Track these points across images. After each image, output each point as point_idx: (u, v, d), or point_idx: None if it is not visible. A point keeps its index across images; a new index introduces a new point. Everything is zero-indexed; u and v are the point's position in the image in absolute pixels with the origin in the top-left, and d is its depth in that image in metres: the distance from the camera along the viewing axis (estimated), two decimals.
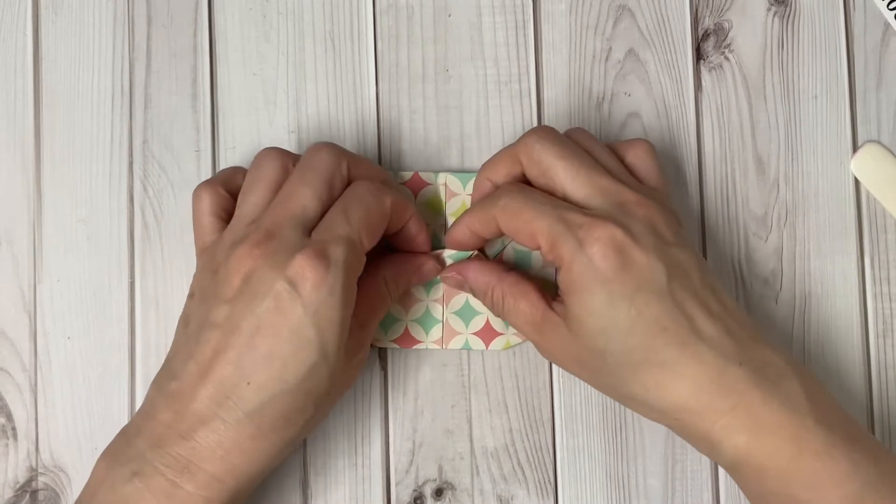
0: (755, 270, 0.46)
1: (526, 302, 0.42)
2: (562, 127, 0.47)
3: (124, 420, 0.45)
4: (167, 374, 0.39)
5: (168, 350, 0.41)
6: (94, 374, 0.46)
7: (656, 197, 0.41)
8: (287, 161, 0.41)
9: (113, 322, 0.46)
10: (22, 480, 0.45)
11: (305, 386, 0.38)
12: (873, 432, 0.46)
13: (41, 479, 0.45)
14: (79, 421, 0.46)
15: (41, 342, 0.46)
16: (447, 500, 0.45)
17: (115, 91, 0.47)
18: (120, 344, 0.46)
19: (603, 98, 0.47)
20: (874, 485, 0.38)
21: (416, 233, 0.43)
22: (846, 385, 0.46)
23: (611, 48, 0.47)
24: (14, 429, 0.46)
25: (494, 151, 0.46)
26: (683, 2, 0.47)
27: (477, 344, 0.45)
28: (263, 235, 0.38)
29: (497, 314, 0.43)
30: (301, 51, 0.47)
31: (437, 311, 0.45)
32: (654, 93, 0.47)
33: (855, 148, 0.47)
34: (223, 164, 0.47)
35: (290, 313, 0.37)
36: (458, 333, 0.45)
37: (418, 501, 0.45)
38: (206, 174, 0.47)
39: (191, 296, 0.41)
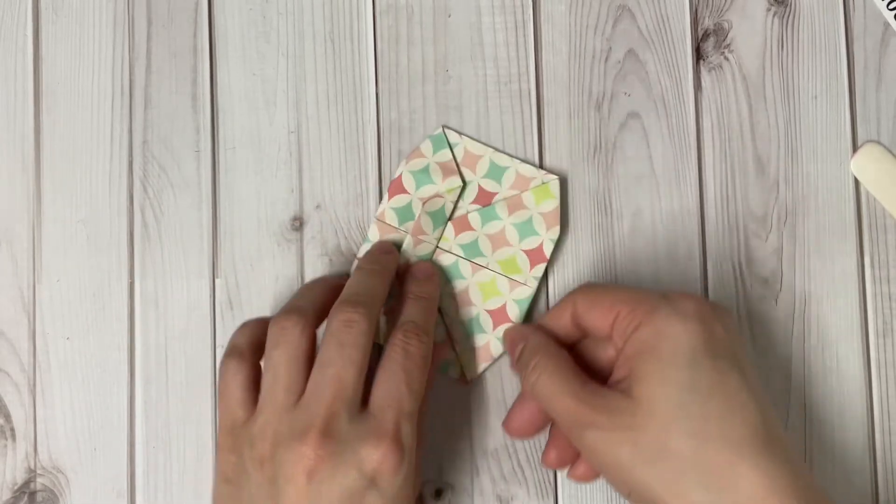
0: (755, 270, 0.46)
1: (576, 379, 0.39)
2: (562, 126, 0.47)
3: (124, 421, 0.45)
4: None
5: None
6: (93, 375, 0.46)
7: None
8: (311, 328, 0.40)
9: (112, 322, 0.46)
10: (20, 482, 0.45)
11: None
12: (873, 433, 0.46)
13: (39, 480, 0.45)
14: (78, 422, 0.45)
15: (40, 342, 0.46)
16: (447, 500, 0.45)
17: (115, 91, 0.47)
18: (119, 344, 0.46)
19: (603, 98, 0.47)
20: None
21: None
22: (846, 385, 0.46)
23: (611, 48, 0.47)
24: (13, 429, 0.45)
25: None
26: (683, 2, 0.47)
27: (540, 268, 0.45)
28: (321, 433, 0.37)
29: (531, 388, 0.40)
30: (301, 51, 0.47)
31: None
32: (654, 93, 0.47)
33: (855, 148, 0.47)
34: (223, 164, 0.47)
35: (367, 502, 0.37)
36: (526, 282, 0.45)
37: (418, 501, 0.45)
38: (207, 174, 0.47)
39: (226, 480, 0.40)
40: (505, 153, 0.46)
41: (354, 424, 0.38)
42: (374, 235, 0.46)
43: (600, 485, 0.45)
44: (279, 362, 0.39)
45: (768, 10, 0.47)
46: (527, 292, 0.45)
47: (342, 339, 0.39)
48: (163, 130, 0.47)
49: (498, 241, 0.45)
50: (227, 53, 0.47)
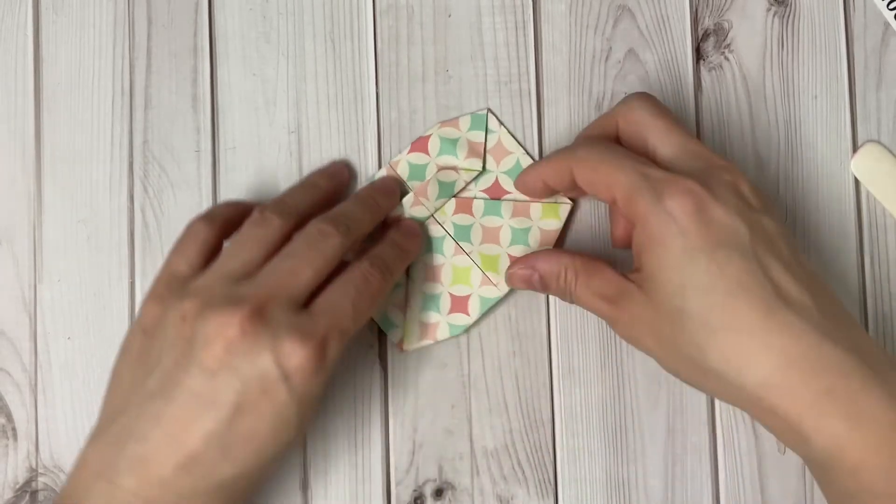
0: None
1: (600, 278, 0.41)
2: (562, 126, 0.47)
3: None
4: (125, 431, 0.37)
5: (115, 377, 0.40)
6: (94, 375, 0.46)
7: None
8: (290, 225, 0.40)
9: (113, 322, 0.46)
10: (22, 481, 0.45)
11: (279, 458, 0.38)
12: None
13: (41, 479, 0.45)
14: (79, 421, 0.46)
15: (41, 342, 0.46)
16: (447, 499, 0.45)
17: (116, 91, 0.47)
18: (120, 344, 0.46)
19: (603, 98, 0.47)
20: None
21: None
22: None
23: (611, 48, 0.47)
24: (14, 429, 0.46)
25: None
26: (683, 2, 0.47)
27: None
28: (254, 310, 0.36)
29: (567, 298, 0.42)
30: (301, 51, 0.47)
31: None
32: (654, 93, 0.47)
33: (855, 148, 0.47)
34: (223, 164, 0.47)
35: (276, 397, 0.36)
36: (497, 283, 0.45)
37: (418, 501, 0.45)
38: (207, 174, 0.47)
39: (143, 331, 0.39)
40: (534, 159, 0.46)
41: (289, 316, 0.37)
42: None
43: (601, 485, 0.45)
44: (248, 238, 0.40)
45: (768, 9, 0.47)
46: (494, 293, 0.45)
47: (312, 243, 0.39)
48: (163, 130, 0.47)
49: (490, 235, 0.45)
50: (227, 53, 0.47)
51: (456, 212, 0.46)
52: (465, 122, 0.46)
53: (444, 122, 0.46)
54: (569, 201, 0.46)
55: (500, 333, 0.46)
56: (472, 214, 0.45)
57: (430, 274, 0.45)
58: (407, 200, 0.45)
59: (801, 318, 0.36)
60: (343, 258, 0.40)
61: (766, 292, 0.36)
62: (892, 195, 0.46)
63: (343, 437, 0.45)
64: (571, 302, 0.42)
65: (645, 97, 0.42)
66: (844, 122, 0.47)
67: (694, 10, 0.47)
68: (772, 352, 0.36)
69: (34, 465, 0.45)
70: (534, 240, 0.45)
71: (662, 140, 0.40)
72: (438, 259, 0.45)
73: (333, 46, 0.47)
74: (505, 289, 0.45)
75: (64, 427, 0.45)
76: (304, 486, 0.45)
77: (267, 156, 0.47)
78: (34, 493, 0.45)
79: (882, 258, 0.47)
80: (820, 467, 0.37)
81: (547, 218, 0.45)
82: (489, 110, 0.46)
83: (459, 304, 0.45)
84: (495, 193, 0.46)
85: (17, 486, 0.45)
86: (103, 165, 0.47)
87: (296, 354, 0.36)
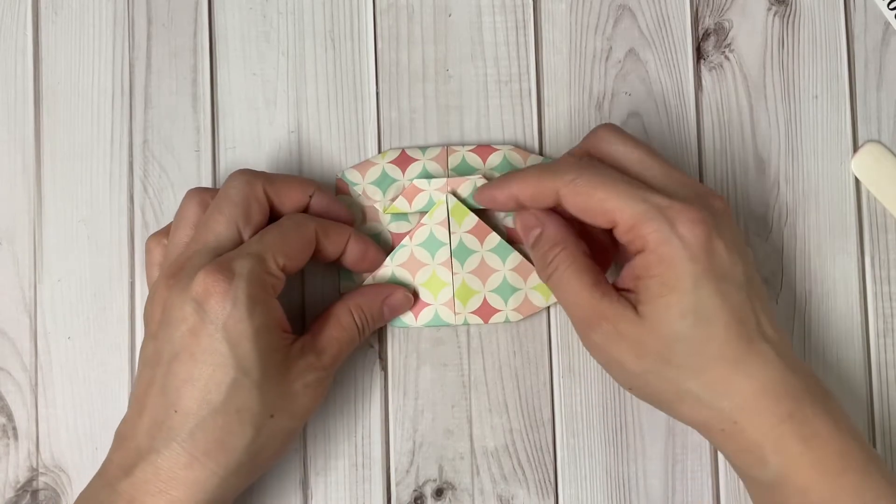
0: None
1: (591, 275, 0.40)
2: (562, 126, 0.47)
3: None
4: (123, 420, 0.41)
5: None
6: (94, 374, 0.46)
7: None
8: (207, 197, 0.42)
9: (113, 322, 0.46)
10: (22, 480, 0.45)
11: (233, 405, 0.38)
12: (873, 432, 0.46)
13: (42, 478, 0.45)
14: (79, 421, 0.46)
15: (42, 342, 0.46)
16: (447, 499, 0.45)
17: (115, 91, 0.47)
18: (120, 344, 0.46)
19: (603, 98, 0.47)
20: None
21: (361, 252, 0.43)
22: (846, 385, 0.46)
23: (611, 48, 0.47)
24: (15, 428, 0.46)
25: None
26: (684, 1, 0.47)
27: (475, 320, 0.45)
28: (176, 267, 0.39)
29: (547, 278, 0.41)
30: (301, 51, 0.47)
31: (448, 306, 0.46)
32: (654, 92, 0.47)
33: (855, 147, 0.47)
34: (223, 165, 0.47)
35: (201, 332, 0.37)
36: (457, 314, 0.45)
37: (419, 501, 0.45)
38: (207, 174, 0.47)
39: None
40: None
41: (205, 261, 0.39)
42: (432, 151, 0.46)
43: (601, 485, 0.45)
44: (175, 223, 0.42)
45: (769, 9, 0.47)
46: (449, 318, 0.45)
47: (219, 194, 0.41)
48: (163, 130, 0.47)
49: (483, 271, 0.45)
50: (227, 53, 0.47)
51: (471, 231, 0.45)
52: (533, 159, 0.46)
53: (516, 148, 0.46)
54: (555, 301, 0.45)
55: (500, 333, 0.46)
56: (482, 243, 0.45)
57: (410, 265, 0.45)
58: (437, 181, 0.45)
59: (773, 350, 0.39)
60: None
61: (751, 324, 0.39)
62: (892, 195, 0.46)
63: (343, 436, 0.45)
64: (547, 278, 0.41)
65: (612, 128, 0.42)
66: (845, 121, 0.47)
67: (694, 9, 0.47)
68: (751, 380, 0.38)
69: (35, 465, 0.45)
70: (515, 301, 0.45)
71: (646, 169, 0.40)
72: (426, 258, 0.45)
73: (333, 46, 0.47)
74: (460, 321, 0.45)
75: (64, 427, 0.46)
76: (304, 486, 0.45)
77: (267, 156, 0.47)
78: (35, 492, 0.45)
79: (882, 258, 0.47)
80: (770, 489, 0.39)
81: (537, 292, 0.45)
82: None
83: (416, 305, 0.45)
84: (515, 237, 0.45)
85: (18, 486, 0.45)
86: (103, 165, 0.47)
87: (201, 282, 0.38)
